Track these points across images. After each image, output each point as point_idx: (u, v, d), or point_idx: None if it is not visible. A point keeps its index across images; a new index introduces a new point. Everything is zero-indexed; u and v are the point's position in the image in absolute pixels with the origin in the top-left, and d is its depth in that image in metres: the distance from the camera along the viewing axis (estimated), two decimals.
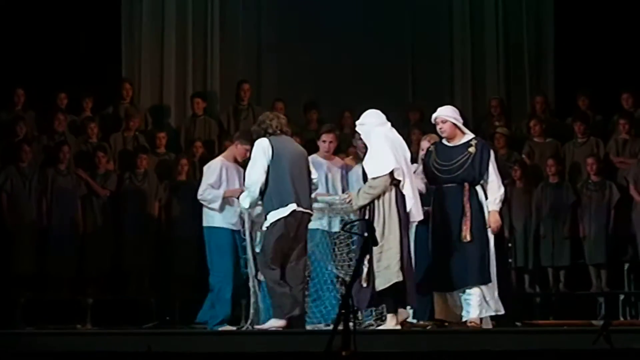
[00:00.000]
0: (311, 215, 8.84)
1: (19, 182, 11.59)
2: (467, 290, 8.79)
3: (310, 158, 9.22)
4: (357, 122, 8.96)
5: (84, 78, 12.71)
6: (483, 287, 8.81)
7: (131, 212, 11.89)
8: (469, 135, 9.03)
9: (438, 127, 9.00)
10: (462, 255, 8.77)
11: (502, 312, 8.95)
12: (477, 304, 8.78)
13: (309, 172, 8.90)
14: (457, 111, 9.09)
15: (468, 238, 8.81)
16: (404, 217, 8.61)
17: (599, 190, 11.92)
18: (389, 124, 8.87)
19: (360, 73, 13.44)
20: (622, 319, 11.55)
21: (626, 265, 11.91)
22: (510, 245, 12.11)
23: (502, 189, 9.04)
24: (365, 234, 6.51)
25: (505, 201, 9.79)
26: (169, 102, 13.51)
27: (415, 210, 8.74)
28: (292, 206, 8.61)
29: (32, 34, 12.72)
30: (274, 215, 8.63)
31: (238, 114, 12.79)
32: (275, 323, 8.58)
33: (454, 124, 8.96)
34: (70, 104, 12.53)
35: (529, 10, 13.83)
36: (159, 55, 13.62)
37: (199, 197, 9.58)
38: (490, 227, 8.94)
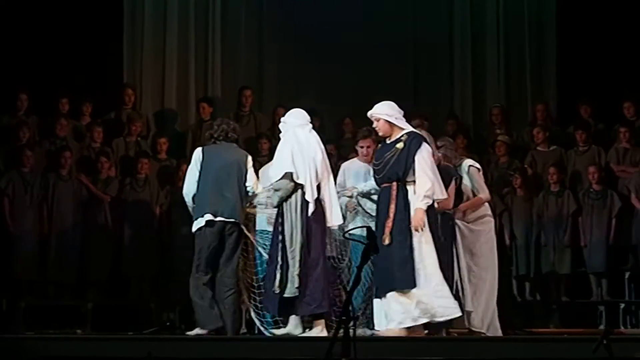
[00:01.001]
0: (238, 223, 8.83)
1: (20, 187, 11.59)
2: (387, 296, 8.48)
3: (349, 163, 9.43)
4: (281, 119, 8.99)
5: (86, 83, 12.71)
6: (415, 291, 8.40)
7: (132, 218, 11.88)
8: (405, 131, 8.70)
9: (374, 125, 8.85)
10: (385, 259, 8.37)
11: (450, 316, 8.53)
12: (398, 312, 8.42)
13: (242, 180, 8.92)
14: (393, 107, 8.78)
15: (386, 241, 8.44)
16: (306, 222, 8.57)
17: (600, 198, 11.92)
18: (309, 126, 8.87)
19: (362, 79, 13.44)
20: (622, 327, 11.55)
21: (627, 274, 11.91)
22: (511, 253, 12.12)
23: (429, 185, 8.41)
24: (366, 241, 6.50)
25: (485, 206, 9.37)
26: (171, 108, 13.52)
27: (331, 215, 8.67)
28: (207, 217, 8.76)
29: (34, 39, 12.73)
30: (194, 225, 8.87)
31: (239, 120, 12.79)
32: (198, 331, 8.78)
33: (387, 121, 8.71)
34: (72, 109, 12.53)
35: (531, 17, 13.84)
36: (161, 61, 13.63)
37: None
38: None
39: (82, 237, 11.77)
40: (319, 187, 8.67)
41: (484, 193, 9.16)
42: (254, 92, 13.16)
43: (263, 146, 12.33)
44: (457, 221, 9.04)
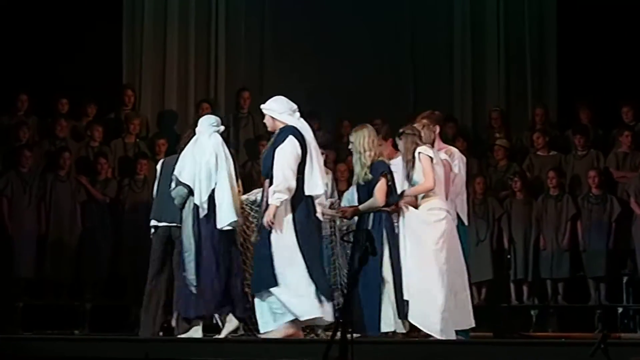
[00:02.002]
0: (178, 226, 8.89)
1: (19, 187, 11.60)
2: (256, 296, 8.45)
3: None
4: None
5: (85, 84, 12.71)
6: (276, 290, 8.30)
7: (130, 218, 11.88)
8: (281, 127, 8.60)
9: (264, 120, 8.83)
10: (254, 258, 8.54)
11: (308, 316, 8.31)
12: (263, 312, 8.38)
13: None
14: (280, 102, 8.70)
15: (252, 240, 8.51)
16: (197, 225, 8.72)
17: (599, 203, 11.93)
18: (212, 129, 8.98)
19: (362, 82, 13.45)
20: (620, 332, 11.54)
21: (625, 279, 11.91)
22: (509, 256, 12.12)
23: (279, 180, 8.26)
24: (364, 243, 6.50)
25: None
26: (170, 109, 13.52)
27: (219, 216, 8.70)
28: (152, 222, 9.15)
29: (34, 39, 12.73)
30: None
31: (238, 122, 12.79)
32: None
33: (272, 117, 8.68)
34: (71, 109, 12.53)
35: (531, 20, 13.83)
36: (161, 62, 13.62)
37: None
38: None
39: (80, 238, 11.77)
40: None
41: (427, 182, 8.64)
42: (252, 94, 13.15)
43: (263, 148, 12.32)
44: (406, 209, 8.72)
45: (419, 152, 8.69)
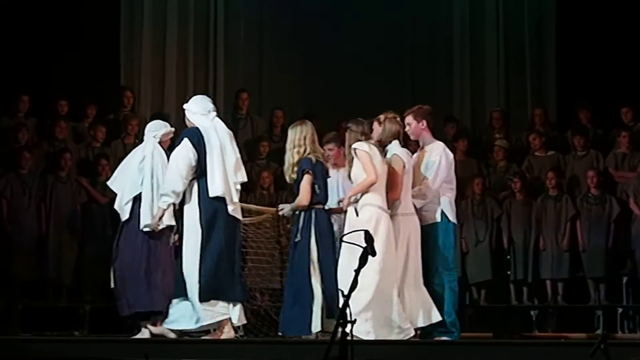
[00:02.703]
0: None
1: (19, 188, 11.60)
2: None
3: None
4: None
5: (84, 85, 12.72)
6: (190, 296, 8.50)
7: None
8: None
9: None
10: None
11: (211, 320, 8.49)
12: (186, 316, 8.56)
13: None
14: (197, 102, 8.81)
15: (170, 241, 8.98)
16: (121, 227, 9.00)
17: (598, 203, 11.93)
18: (152, 134, 9.08)
19: (360, 83, 13.45)
20: (620, 332, 11.55)
21: (624, 279, 11.91)
22: (509, 257, 12.12)
23: (165, 183, 8.53)
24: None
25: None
26: (169, 110, 13.52)
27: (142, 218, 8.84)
28: None
29: (33, 41, 12.73)
30: None
31: (236, 122, 12.79)
32: None
33: (187, 116, 8.85)
34: (70, 111, 12.53)
35: (531, 21, 13.82)
36: (160, 64, 13.63)
37: None
38: None
39: (81, 239, 11.77)
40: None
41: (369, 176, 8.49)
42: (250, 95, 13.15)
43: (264, 149, 12.37)
44: (349, 208, 8.60)
45: (354, 148, 8.58)
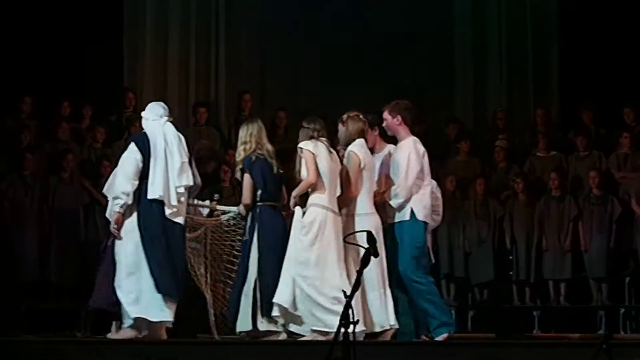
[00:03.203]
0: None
1: (21, 190, 11.60)
2: None
3: None
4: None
5: (87, 87, 12.73)
6: (118, 295, 8.65)
7: None
8: None
9: None
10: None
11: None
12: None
13: None
14: (151, 107, 8.92)
15: None
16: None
17: (601, 204, 11.93)
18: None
19: (362, 84, 13.45)
20: (622, 332, 11.55)
21: (627, 279, 11.91)
22: (511, 257, 12.13)
23: (115, 185, 8.60)
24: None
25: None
26: (171, 111, 13.49)
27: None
28: None
29: (36, 42, 12.75)
30: None
31: (239, 124, 12.78)
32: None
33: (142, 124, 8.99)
34: (73, 112, 12.54)
35: (533, 22, 13.84)
36: (162, 65, 13.65)
37: None
38: None
39: (83, 241, 11.77)
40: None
41: (309, 177, 8.45)
42: (253, 97, 13.16)
43: None
44: (296, 208, 8.55)
45: (300, 147, 8.56)
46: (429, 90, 13.87)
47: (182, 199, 8.65)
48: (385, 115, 8.86)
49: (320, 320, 8.27)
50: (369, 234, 6.51)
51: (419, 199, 8.61)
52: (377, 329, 8.42)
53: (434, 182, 9.07)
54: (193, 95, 13.66)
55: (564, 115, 13.48)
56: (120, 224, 8.62)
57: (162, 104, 9.09)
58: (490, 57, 13.88)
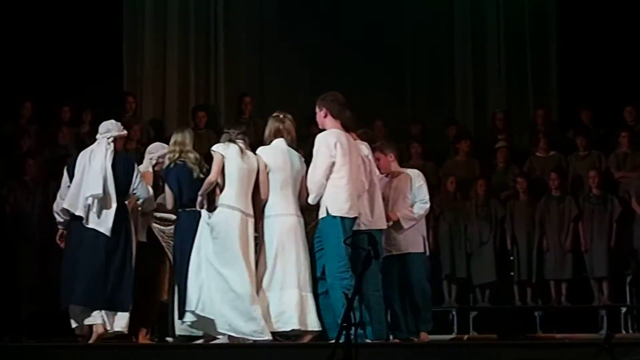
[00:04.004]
0: None
1: (22, 195, 11.60)
2: None
3: None
4: None
5: (87, 91, 12.73)
6: None
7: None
8: None
9: None
10: None
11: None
12: None
13: None
14: (102, 125, 9.16)
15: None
16: None
17: (601, 203, 11.93)
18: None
19: (361, 85, 13.45)
20: (624, 332, 11.54)
21: (628, 279, 11.90)
22: (512, 258, 12.13)
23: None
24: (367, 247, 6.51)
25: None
26: (171, 115, 13.54)
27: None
28: None
29: (35, 47, 12.75)
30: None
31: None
32: None
33: None
34: (73, 117, 12.54)
35: (531, 21, 13.85)
36: (162, 69, 13.66)
37: None
38: None
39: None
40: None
41: (209, 177, 8.65)
42: (253, 99, 13.17)
43: None
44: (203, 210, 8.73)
45: (211, 150, 8.77)
46: (428, 91, 13.89)
47: (95, 209, 8.81)
48: (316, 108, 8.79)
49: (230, 322, 8.35)
50: (370, 236, 6.52)
51: (332, 195, 8.35)
52: (281, 329, 8.45)
53: (379, 176, 8.95)
54: (193, 99, 13.67)
55: (563, 115, 13.48)
56: (62, 239, 9.14)
57: (110, 122, 9.24)
58: (489, 57, 13.88)
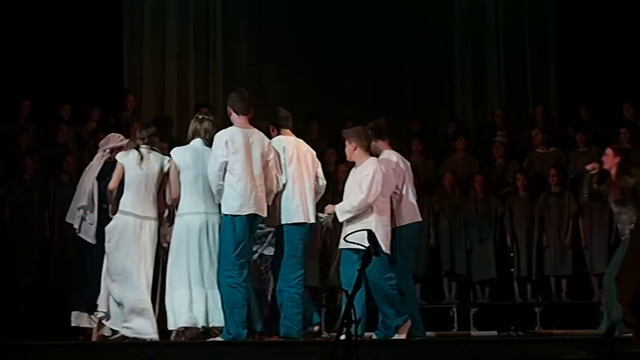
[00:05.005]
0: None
1: (21, 194, 11.58)
2: None
3: None
4: None
5: (85, 89, 12.72)
6: None
7: None
8: None
9: None
10: None
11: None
12: None
13: None
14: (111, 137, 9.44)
15: None
16: None
17: (600, 199, 11.90)
18: None
19: (360, 83, 13.46)
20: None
21: None
22: (512, 254, 12.12)
23: None
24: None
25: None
26: (170, 113, 13.53)
27: None
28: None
29: (34, 45, 12.73)
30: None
31: None
32: None
33: None
34: (73, 115, 12.53)
35: (531, 18, 13.85)
36: (161, 67, 13.65)
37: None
38: None
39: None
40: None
41: (109, 183, 9.05)
42: (251, 97, 13.13)
43: None
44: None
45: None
46: (428, 89, 13.88)
47: (88, 219, 9.21)
48: None
49: (127, 322, 8.63)
50: (370, 232, 6.51)
51: (225, 193, 8.51)
52: (172, 327, 8.63)
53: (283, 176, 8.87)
54: (192, 96, 13.65)
55: (563, 112, 13.48)
56: None
57: (112, 135, 9.55)
58: (489, 54, 13.88)
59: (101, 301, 8.87)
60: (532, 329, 11.47)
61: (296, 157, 8.75)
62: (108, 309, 8.83)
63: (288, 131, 8.95)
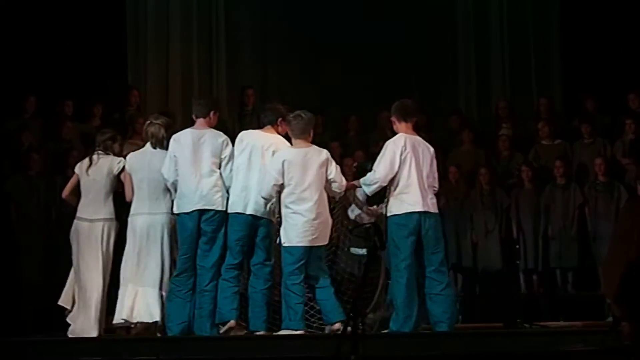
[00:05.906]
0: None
1: (27, 190, 11.59)
2: None
3: None
4: None
5: (89, 86, 12.73)
6: None
7: None
8: None
9: None
10: None
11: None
12: None
13: None
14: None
15: None
16: None
17: (606, 190, 11.90)
18: None
19: (364, 76, 13.44)
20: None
21: None
22: (518, 246, 12.11)
23: None
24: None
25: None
26: (174, 109, 13.53)
27: None
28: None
29: (39, 42, 12.75)
30: None
31: (242, 118, 12.81)
32: None
33: None
34: (77, 111, 12.54)
35: (535, 11, 13.82)
36: (165, 62, 13.66)
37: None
38: None
39: None
40: None
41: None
42: (256, 91, 13.17)
43: None
44: None
45: None
46: (432, 82, 13.86)
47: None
48: None
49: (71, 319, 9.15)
50: (376, 227, 6.51)
51: (178, 192, 8.89)
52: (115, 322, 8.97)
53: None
54: (196, 92, 13.66)
55: (567, 104, 13.46)
56: None
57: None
58: (493, 46, 13.87)
59: (66, 298, 9.32)
60: (538, 321, 11.47)
61: (249, 150, 8.83)
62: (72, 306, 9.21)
63: (269, 127, 8.98)
